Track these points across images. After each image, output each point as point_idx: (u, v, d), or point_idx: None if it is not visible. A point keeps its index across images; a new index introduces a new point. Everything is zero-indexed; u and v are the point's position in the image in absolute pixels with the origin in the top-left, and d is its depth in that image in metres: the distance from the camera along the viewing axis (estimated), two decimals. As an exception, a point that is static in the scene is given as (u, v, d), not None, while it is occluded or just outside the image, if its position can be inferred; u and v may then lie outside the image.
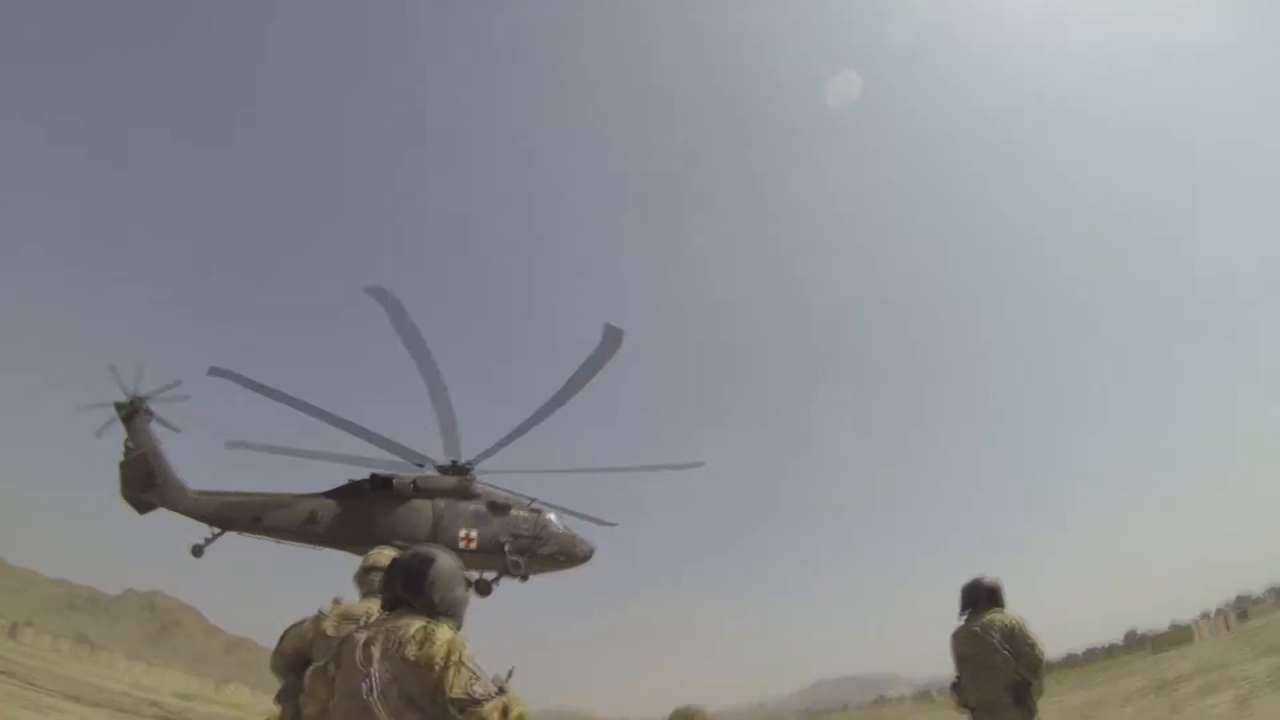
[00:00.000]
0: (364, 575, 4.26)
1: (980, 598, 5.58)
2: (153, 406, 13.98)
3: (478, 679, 2.47)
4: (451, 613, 2.70)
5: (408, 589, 2.68)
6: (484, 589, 14.92)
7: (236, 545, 13.99)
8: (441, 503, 14.58)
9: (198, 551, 13.32)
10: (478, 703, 2.41)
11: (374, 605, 4.03)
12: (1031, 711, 5.17)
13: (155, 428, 13.93)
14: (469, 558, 13.87)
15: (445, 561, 2.78)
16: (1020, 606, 5.67)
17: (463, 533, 14.41)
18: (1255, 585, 48.20)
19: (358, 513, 14.03)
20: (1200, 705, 15.91)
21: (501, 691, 2.46)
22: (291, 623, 4.33)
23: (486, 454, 14.92)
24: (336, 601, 4.20)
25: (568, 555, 15.64)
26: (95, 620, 68.10)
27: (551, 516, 15.51)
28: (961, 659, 5.48)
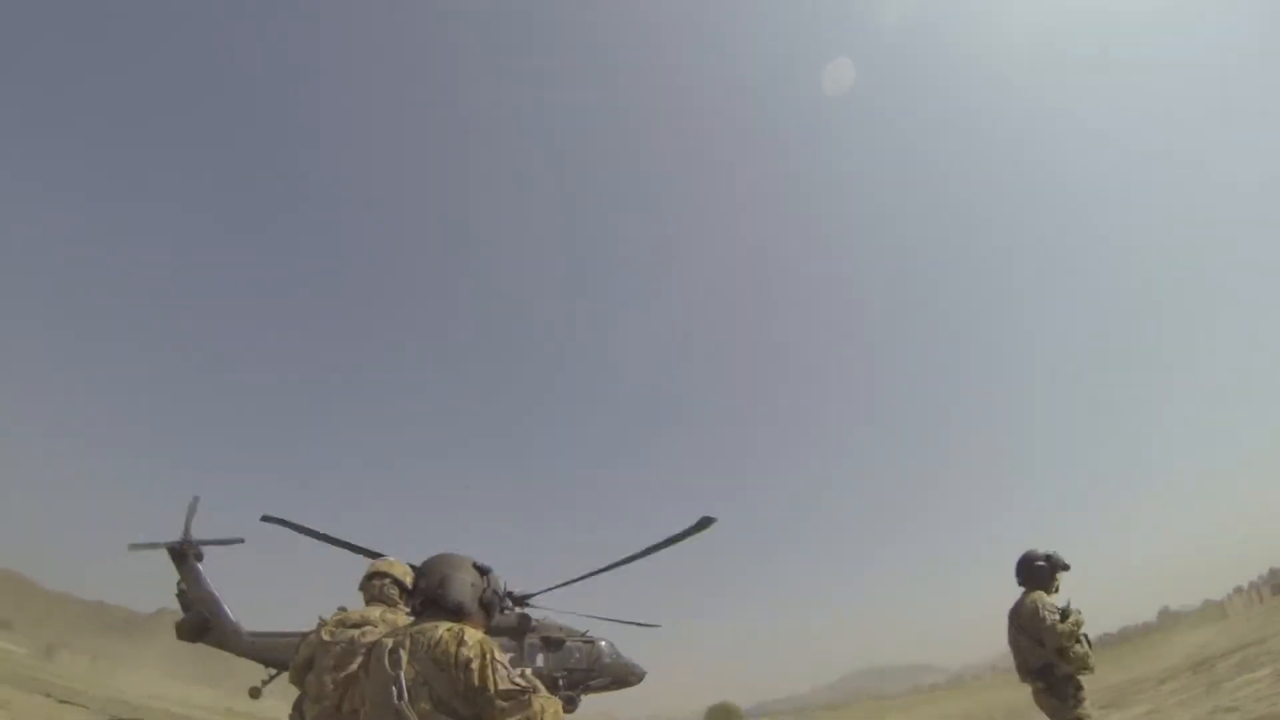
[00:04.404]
0: (367, 582, 4.31)
1: (1019, 575, 5.48)
2: (203, 548, 14.13)
3: (516, 672, 2.47)
4: (469, 612, 2.73)
5: (431, 594, 2.72)
6: None
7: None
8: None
9: (255, 694, 13.37)
10: (525, 691, 2.40)
11: (372, 611, 4.08)
12: (1066, 696, 5.02)
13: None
14: None
15: (461, 562, 2.83)
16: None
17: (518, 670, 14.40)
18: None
19: None
20: (1238, 682, 15.66)
21: (535, 690, 2.45)
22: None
23: (545, 590, 14.82)
24: (342, 609, 4.26)
25: (620, 683, 15.58)
26: (130, 639, 69.21)
27: (604, 645, 15.48)
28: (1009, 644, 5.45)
